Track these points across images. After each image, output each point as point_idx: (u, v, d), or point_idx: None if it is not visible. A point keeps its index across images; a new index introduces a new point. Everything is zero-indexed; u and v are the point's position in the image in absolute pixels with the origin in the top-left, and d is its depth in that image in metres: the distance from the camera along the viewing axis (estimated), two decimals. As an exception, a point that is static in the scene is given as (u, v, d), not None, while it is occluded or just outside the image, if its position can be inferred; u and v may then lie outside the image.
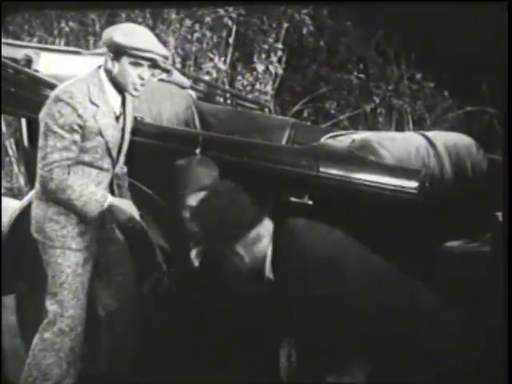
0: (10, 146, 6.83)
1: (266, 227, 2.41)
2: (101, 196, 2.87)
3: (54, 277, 2.92)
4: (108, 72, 2.86)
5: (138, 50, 2.78)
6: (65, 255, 2.91)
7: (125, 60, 2.81)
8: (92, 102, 2.81)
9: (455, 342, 2.37)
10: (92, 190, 2.85)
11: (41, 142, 2.81)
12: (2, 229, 3.55)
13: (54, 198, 2.86)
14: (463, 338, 2.41)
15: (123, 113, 2.97)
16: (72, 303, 2.93)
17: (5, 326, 3.54)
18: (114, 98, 2.91)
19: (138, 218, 2.92)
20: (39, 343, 2.96)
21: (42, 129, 2.82)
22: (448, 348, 2.36)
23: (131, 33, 2.82)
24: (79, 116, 2.79)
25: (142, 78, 2.84)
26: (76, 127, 2.79)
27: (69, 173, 2.82)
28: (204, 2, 4.43)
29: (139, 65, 2.82)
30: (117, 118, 2.93)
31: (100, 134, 2.85)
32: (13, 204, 4.13)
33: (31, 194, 3.52)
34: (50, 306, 2.94)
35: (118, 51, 2.79)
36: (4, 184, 6.81)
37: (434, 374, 2.36)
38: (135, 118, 3.15)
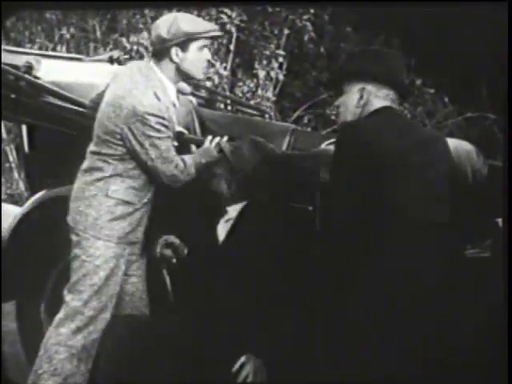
0: (10, 152, 6.83)
1: None
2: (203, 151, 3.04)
3: (86, 276, 2.91)
4: (166, 69, 2.91)
5: (205, 32, 2.89)
6: (104, 258, 2.91)
7: (193, 47, 2.89)
8: (165, 106, 2.90)
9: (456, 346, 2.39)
10: (197, 154, 3.04)
11: (153, 153, 2.87)
12: (2, 235, 3.55)
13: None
14: (463, 342, 2.43)
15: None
16: (95, 304, 2.93)
17: (5, 332, 3.53)
18: (173, 93, 2.98)
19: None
20: (53, 337, 2.94)
21: (146, 143, 2.86)
22: (449, 351, 2.37)
23: (191, 19, 2.92)
24: (167, 120, 2.89)
25: (208, 61, 2.97)
26: (171, 128, 2.93)
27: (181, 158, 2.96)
28: (203, 3, 4.43)
29: (205, 47, 2.92)
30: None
31: (173, 130, 3.00)
32: (13, 210, 4.12)
33: (31, 199, 3.53)
34: (72, 302, 2.93)
35: (187, 41, 2.87)
36: (4, 190, 6.82)
37: (435, 375, 2.38)
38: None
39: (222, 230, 2.95)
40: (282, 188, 3.10)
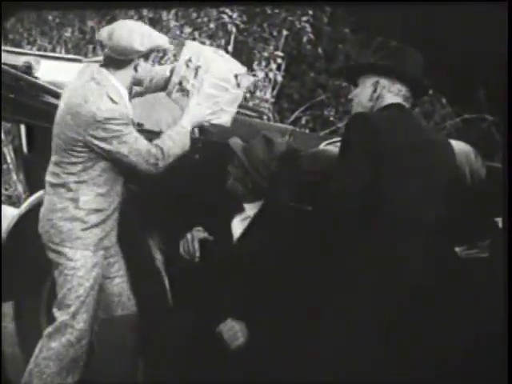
0: (8, 153, 6.83)
1: None
2: (180, 127, 3.02)
3: (71, 289, 2.94)
4: (126, 75, 2.95)
5: (168, 46, 3.02)
6: (86, 269, 2.94)
7: (150, 59, 2.96)
8: (123, 107, 2.93)
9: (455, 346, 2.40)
10: (173, 132, 3.01)
11: (125, 150, 2.89)
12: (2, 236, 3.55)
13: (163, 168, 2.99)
14: (463, 342, 2.43)
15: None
16: (84, 317, 2.95)
17: (4, 333, 3.53)
18: (126, 97, 3.01)
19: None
20: (44, 351, 2.96)
21: (114, 143, 2.89)
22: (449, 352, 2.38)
23: (158, 33, 3.03)
24: (127, 120, 2.93)
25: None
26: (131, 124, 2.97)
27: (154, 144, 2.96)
28: (203, 3, 4.43)
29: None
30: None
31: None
32: (11, 211, 4.13)
33: (29, 200, 3.53)
34: (61, 317, 2.95)
35: (149, 53, 2.94)
36: (2, 192, 6.81)
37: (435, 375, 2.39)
38: (137, 124, 3.19)
39: (237, 227, 2.94)
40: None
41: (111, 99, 2.89)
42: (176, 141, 2.98)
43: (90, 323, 2.98)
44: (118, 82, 2.94)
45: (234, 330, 2.75)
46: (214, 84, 3.04)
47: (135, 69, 2.95)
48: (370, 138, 2.49)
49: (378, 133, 2.50)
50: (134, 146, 2.91)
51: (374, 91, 2.68)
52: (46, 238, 2.99)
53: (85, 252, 2.95)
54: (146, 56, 2.94)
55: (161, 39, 2.98)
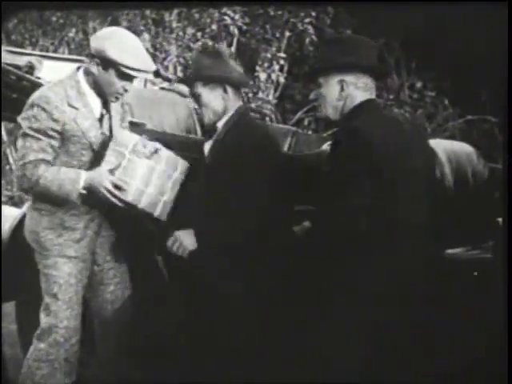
0: (10, 153, 6.84)
1: None
2: (74, 173, 2.80)
3: (47, 288, 2.92)
4: (90, 75, 2.85)
5: (128, 68, 2.77)
6: (57, 266, 2.90)
7: (112, 71, 2.79)
8: (70, 105, 2.81)
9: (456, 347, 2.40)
10: (64, 170, 2.80)
11: (19, 142, 2.82)
12: (3, 236, 3.55)
13: (34, 194, 2.87)
14: (464, 343, 2.43)
15: (107, 113, 2.94)
16: (66, 314, 2.92)
17: (5, 334, 3.53)
18: (93, 100, 2.89)
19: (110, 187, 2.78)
20: (34, 353, 2.95)
21: (20, 131, 2.84)
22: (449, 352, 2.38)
23: (124, 48, 2.77)
24: (55, 121, 2.78)
25: (125, 90, 2.85)
26: (51, 133, 2.78)
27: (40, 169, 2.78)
28: (204, 4, 4.44)
29: (126, 78, 2.81)
30: (99, 119, 2.91)
31: (84, 136, 2.84)
32: (13, 212, 4.13)
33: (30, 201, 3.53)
34: (45, 318, 2.93)
35: (108, 63, 2.77)
36: (5, 192, 6.82)
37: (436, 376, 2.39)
38: (136, 124, 3.17)
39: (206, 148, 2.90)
40: None
41: (66, 92, 2.79)
42: (58, 181, 2.77)
43: (75, 321, 2.95)
44: (86, 83, 2.84)
45: (179, 241, 2.72)
46: (114, 150, 2.80)
47: (86, 72, 2.84)
48: (365, 155, 2.41)
49: (372, 146, 2.42)
50: (24, 149, 2.76)
51: (342, 90, 2.59)
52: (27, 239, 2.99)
53: (60, 247, 2.91)
54: (102, 64, 2.78)
55: (133, 62, 2.75)
